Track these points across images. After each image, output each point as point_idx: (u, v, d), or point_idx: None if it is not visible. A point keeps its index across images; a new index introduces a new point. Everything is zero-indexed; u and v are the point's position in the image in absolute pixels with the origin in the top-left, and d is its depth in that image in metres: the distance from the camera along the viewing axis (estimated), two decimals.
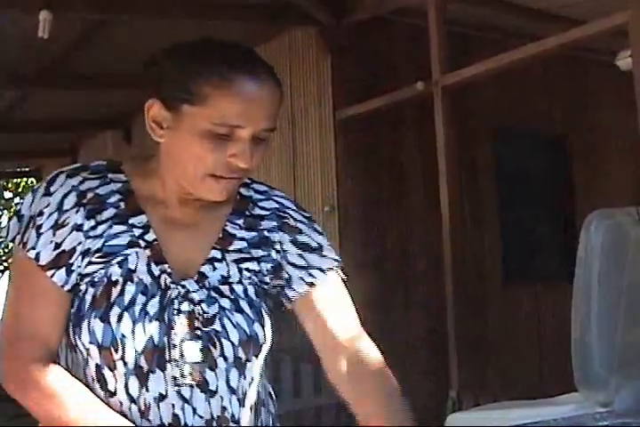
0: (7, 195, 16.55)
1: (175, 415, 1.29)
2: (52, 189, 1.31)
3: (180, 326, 1.29)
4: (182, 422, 1.29)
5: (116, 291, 1.28)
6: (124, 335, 1.26)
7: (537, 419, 1.96)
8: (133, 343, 1.26)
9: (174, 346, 1.28)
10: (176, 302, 1.30)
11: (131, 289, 1.28)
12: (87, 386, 1.28)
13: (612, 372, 2.61)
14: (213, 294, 1.32)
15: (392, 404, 1.31)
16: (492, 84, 5.19)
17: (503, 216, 5.64)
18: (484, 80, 4.76)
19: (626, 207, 2.88)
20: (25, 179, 14.93)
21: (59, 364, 1.30)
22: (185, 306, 1.30)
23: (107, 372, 1.27)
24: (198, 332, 1.29)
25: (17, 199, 16.46)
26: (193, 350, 1.29)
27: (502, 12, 5.11)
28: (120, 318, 1.26)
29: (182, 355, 1.28)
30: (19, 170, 11.50)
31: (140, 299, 1.28)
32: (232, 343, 1.31)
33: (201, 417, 1.30)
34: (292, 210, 1.43)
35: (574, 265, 2.72)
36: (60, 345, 1.32)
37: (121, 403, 1.28)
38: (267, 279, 1.38)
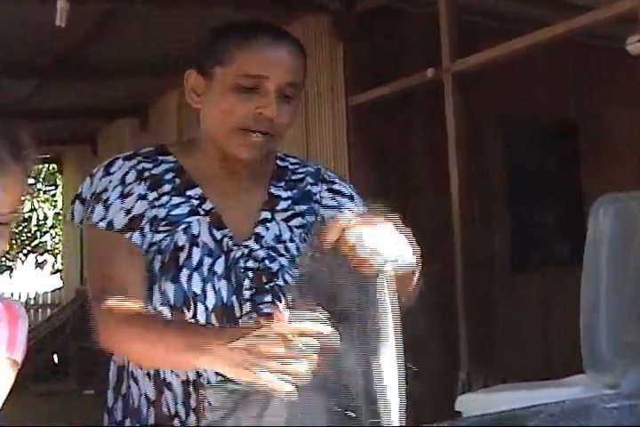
0: (30, 180, 16.82)
1: None
2: (111, 170, 1.41)
3: (248, 282, 1.37)
4: None
5: (183, 255, 1.36)
6: (195, 293, 1.33)
7: (544, 400, 2.00)
8: (205, 301, 1.33)
9: (245, 301, 1.36)
10: (241, 261, 1.38)
11: (197, 252, 1.36)
12: None
13: (620, 354, 2.64)
14: (272, 252, 1.41)
15: None
16: (503, 73, 5.16)
17: (513, 207, 5.59)
18: (495, 67, 4.74)
19: (634, 191, 2.91)
20: (46, 165, 15.20)
21: None
22: (250, 263, 1.38)
23: None
24: (266, 286, 1.37)
25: (39, 185, 16.81)
26: (262, 304, 1.36)
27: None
28: (190, 277, 1.34)
29: (252, 310, 1.35)
30: (39, 157, 11.62)
31: (207, 260, 1.36)
32: None
33: None
34: (325, 172, 1.56)
35: None
36: None
37: None
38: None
